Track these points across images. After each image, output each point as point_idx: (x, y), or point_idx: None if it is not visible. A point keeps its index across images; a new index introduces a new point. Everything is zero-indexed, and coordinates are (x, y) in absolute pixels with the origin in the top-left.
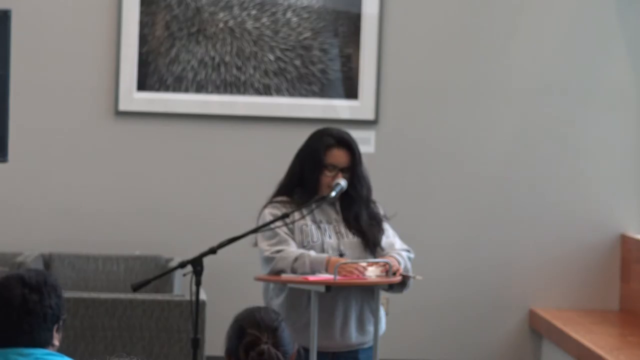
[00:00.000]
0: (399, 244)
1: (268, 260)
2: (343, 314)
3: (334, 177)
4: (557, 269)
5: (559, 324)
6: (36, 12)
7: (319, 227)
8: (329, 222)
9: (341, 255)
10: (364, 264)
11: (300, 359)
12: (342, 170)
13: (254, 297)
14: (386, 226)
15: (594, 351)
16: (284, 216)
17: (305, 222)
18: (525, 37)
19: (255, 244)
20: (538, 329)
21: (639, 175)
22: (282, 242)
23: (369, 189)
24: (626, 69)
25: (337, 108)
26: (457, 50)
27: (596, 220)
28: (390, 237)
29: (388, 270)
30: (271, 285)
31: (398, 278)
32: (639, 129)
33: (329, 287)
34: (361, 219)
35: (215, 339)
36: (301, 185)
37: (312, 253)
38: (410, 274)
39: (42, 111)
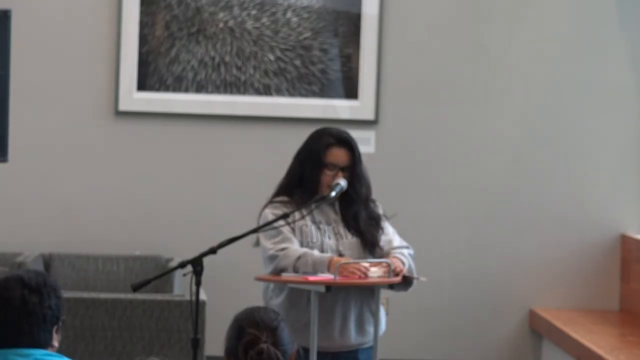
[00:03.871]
0: (397, 241)
1: (272, 258)
2: (342, 314)
3: (334, 177)
4: (557, 269)
5: (559, 324)
6: (36, 12)
7: (318, 228)
8: (328, 223)
9: (340, 256)
10: (366, 264)
11: (299, 359)
12: (342, 170)
13: (254, 297)
14: (386, 224)
15: (594, 351)
16: (284, 216)
17: (305, 223)
18: (526, 37)
19: (256, 244)
20: (538, 329)
21: (639, 175)
22: (285, 240)
23: (368, 189)
24: (626, 69)
25: (337, 108)
26: (457, 50)
27: (596, 220)
28: (389, 235)
29: (389, 271)
30: (271, 285)
31: (398, 278)
32: (639, 129)
33: (329, 287)
34: (360, 219)
35: (215, 339)
36: (301, 185)
37: (316, 252)
38: (415, 275)
39: (42, 111)
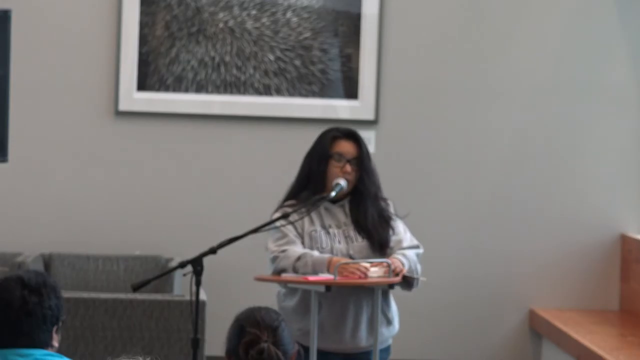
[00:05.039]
0: (407, 240)
1: (273, 259)
2: (354, 317)
3: (342, 169)
4: (557, 269)
5: (559, 324)
6: (36, 12)
7: (327, 233)
8: (338, 227)
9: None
10: (366, 265)
11: (300, 359)
12: (350, 162)
13: (254, 297)
14: (397, 224)
15: (594, 351)
16: (284, 216)
17: (314, 228)
18: (526, 37)
19: (267, 248)
20: (538, 329)
21: (639, 175)
22: (289, 242)
23: (377, 186)
24: (626, 69)
25: (337, 108)
26: (457, 50)
27: (596, 220)
28: (399, 235)
29: (390, 271)
30: (283, 289)
31: (397, 279)
32: (639, 129)
33: (329, 287)
34: (369, 216)
35: (215, 339)
36: (309, 183)
37: (315, 253)
38: (415, 275)
39: (42, 111)
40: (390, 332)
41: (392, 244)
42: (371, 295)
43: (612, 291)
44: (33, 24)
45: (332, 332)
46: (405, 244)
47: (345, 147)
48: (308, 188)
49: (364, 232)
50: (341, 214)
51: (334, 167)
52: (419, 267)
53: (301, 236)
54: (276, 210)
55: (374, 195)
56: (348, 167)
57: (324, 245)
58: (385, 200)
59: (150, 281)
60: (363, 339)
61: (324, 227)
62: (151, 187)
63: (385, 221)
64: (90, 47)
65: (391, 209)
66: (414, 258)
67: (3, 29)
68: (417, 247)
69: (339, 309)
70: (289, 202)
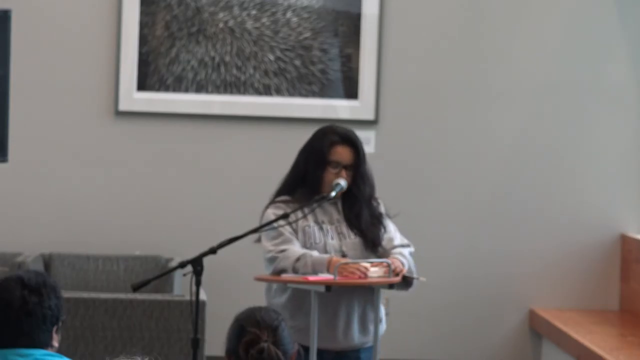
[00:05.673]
0: (398, 239)
1: (272, 259)
2: (346, 316)
3: (338, 175)
4: (557, 269)
5: (559, 324)
6: (36, 12)
7: (321, 228)
8: (331, 223)
9: (343, 256)
10: (366, 265)
11: (300, 359)
12: (346, 168)
13: (254, 297)
14: (387, 222)
15: (594, 351)
16: (284, 216)
17: (308, 224)
18: (526, 37)
19: (258, 240)
20: (538, 329)
21: (639, 175)
22: (286, 241)
23: (372, 188)
24: (626, 69)
25: (337, 108)
26: (457, 50)
27: (596, 220)
28: (390, 233)
29: (389, 271)
30: (274, 286)
31: (397, 278)
32: (639, 129)
33: (329, 287)
34: (362, 218)
35: (215, 339)
36: (304, 183)
37: (315, 253)
38: (414, 275)
39: (42, 111)
40: (379, 330)
41: (384, 242)
42: (363, 293)
43: (612, 291)
44: (33, 24)
45: (325, 330)
46: (396, 242)
47: (342, 155)
48: (303, 187)
49: (357, 230)
50: (334, 211)
51: (330, 173)
52: (414, 269)
53: (296, 232)
54: (268, 205)
55: (368, 199)
56: (344, 173)
57: (317, 240)
58: (376, 199)
59: (150, 281)
60: (355, 337)
61: (317, 222)
62: (151, 187)
63: (377, 220)
64: (90, 47)
65: (381, 209)
66: (411, 258)
67: (3, 29)
68: (408, 245)
69: (331, 307)
70: (283, 197)
